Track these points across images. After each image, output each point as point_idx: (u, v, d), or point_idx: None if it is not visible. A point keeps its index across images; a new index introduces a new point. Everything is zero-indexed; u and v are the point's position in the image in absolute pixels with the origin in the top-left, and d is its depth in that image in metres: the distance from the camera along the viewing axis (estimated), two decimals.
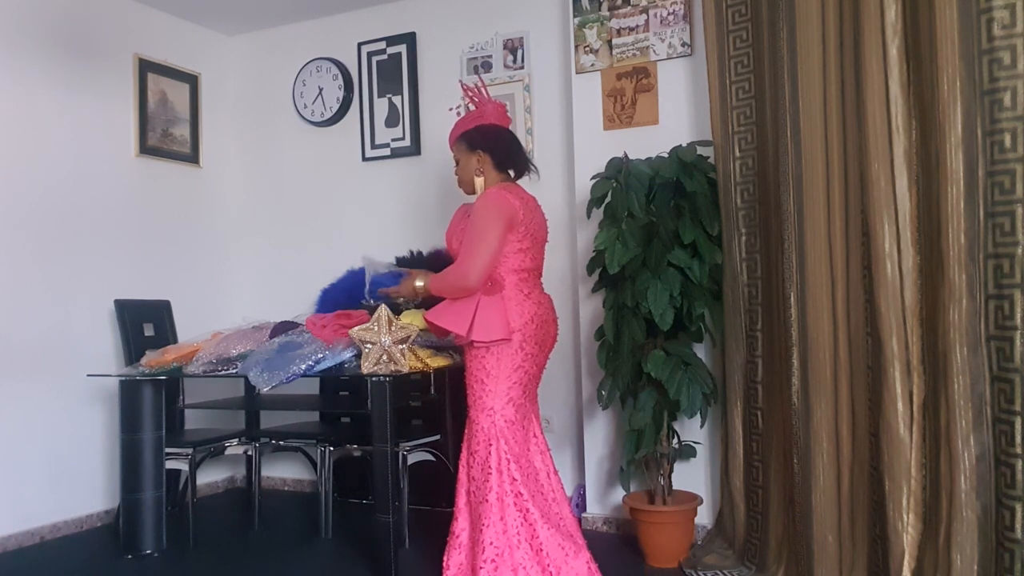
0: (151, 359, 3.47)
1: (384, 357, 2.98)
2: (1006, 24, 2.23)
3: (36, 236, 3.76)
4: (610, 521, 3.56)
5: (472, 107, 2.92)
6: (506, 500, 2.62)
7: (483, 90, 2.92)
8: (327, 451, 3.62)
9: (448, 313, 2.72)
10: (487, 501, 2.62)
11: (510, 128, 2.95)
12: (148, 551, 3.42)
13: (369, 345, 2.98)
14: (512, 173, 2.89)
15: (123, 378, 3.48)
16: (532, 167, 2.93)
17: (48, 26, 3.85)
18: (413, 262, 4.01)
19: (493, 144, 2.81)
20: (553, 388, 3.78)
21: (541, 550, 2.59)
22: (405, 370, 2.99)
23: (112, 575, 3.27)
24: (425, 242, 4.00)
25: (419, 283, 2.87)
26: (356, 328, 3.01)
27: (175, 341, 4.06)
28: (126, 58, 4.23)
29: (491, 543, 2.60)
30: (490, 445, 2.65)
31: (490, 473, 2.63)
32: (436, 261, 3.59)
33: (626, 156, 3.20)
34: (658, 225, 3.06)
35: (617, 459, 3.48)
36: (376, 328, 2.98)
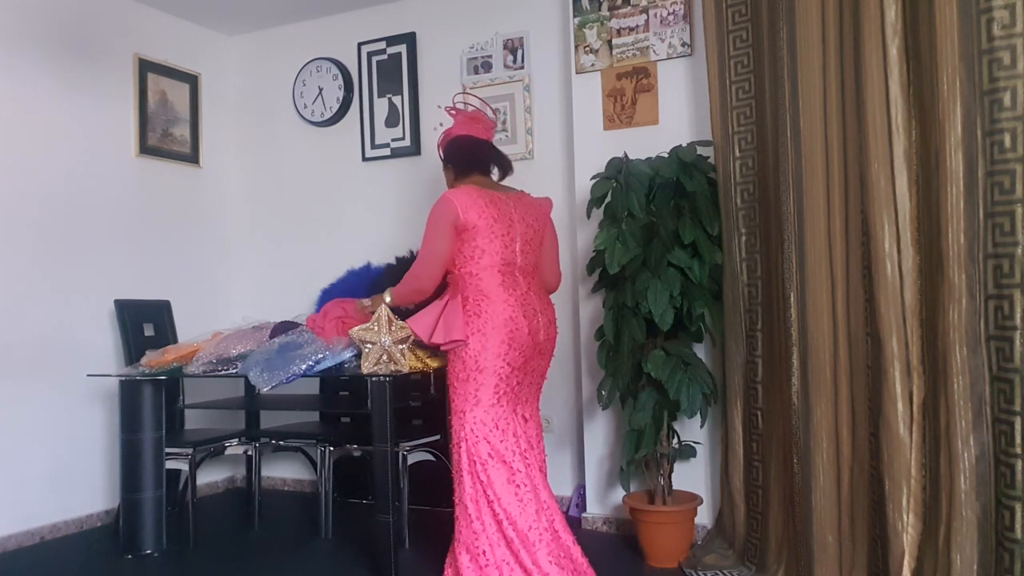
0: (151, 359, 3.47)
1: (384, 357, 2.98)
2: (1006, 24, 2.23)
3: (36, 236, 3.76)
4: (610, 521, 3.56)
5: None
6: (479, 501, 2.65)
7: (468, 99, 3.03)
8: (327, 451, 3.62)
9: (419, 319, 2.83)
10: (462, 502, 2.68)
11: (493, 128, 3.08)
12: (148, 551, 3.41)
13: (369, 345, 2.98)
14: (496, 175, 2.99)
15: (123, 378, 3.48)
16: (505, 163, 3.02)
17: (48, 26, 3.85)
18: (413, 262, 4.00)
19: (453, 156, 2.99)
20: (553, 388, 3.78)
21: (516, 549, 2.62)
22: (405, 370, 2.99)
23: (112, 575, 3.27)
24: None
25: (387, 298, 2.99)
26: (356, 328, 3.02)
27: (175, 341, 4.06)
28: (126, 58, 4.23)
29: (473, 543, 2.64)
30: (460, 447, 2.70)
31: (462, 475, 2.69)
32: None
33: (626, 156, 3.20)
34: (658, 225, 3.06)
35: (617, 459, 3.48)
36: (376, 328, 2.98)
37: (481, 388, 2.71)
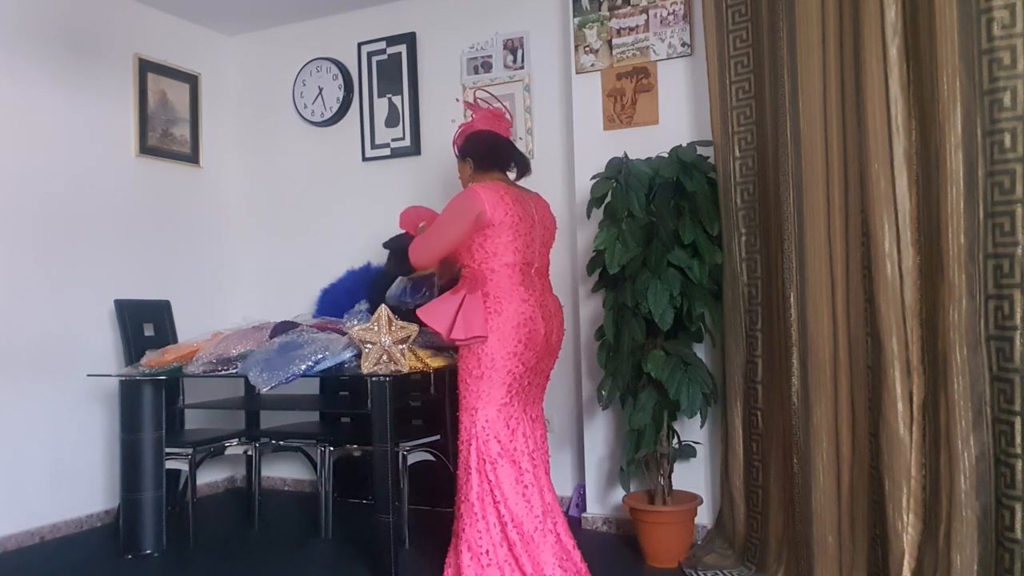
0: (151, 359, 3.47)
1: (384, 357, 2.98)
2: (1006, 24, 2.23)
3: (36, 236, 3.76)
4: (610, 521, 3.56)
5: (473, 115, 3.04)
6: (485, 500, 2.65)
7: (482, 96, 3.02)
8: (327, 451, 3.62)
9: (435, 312, 2.78)
10: (468, 500, 2.67)
11: (510, 127, 3.05)
12: (148, 551, 3.41)
13: (369, 345, 2.98)
14: (514, 172, 2.98)
15: (123, 378, 3.49)
16: (524, 163, 3.00)
17: (48, 26, 3.85)
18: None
19: (473, 151, 2.94)
20: (553, 388, 3.76)
21: (518, 553, 2.62)
22: (405, 370, 2.99)
23: (112, 575, 3.27)
24: None
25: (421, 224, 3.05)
26: (356, 328, 3.02)
27: (175, 341, 4.06)
28: (126, 58, 4.23)
29: (476, 542, 2.64)
30: (470, 445, 2.69)
31: (470, 473, 2.68)
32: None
33: (626, 156, 3.20)
34: (658, 225, 3.06)
35: (617, 459, 3.48)
36: (376, 328, 2.98)
37: (495, 386, 2.69)
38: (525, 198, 2.84)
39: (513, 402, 2.73)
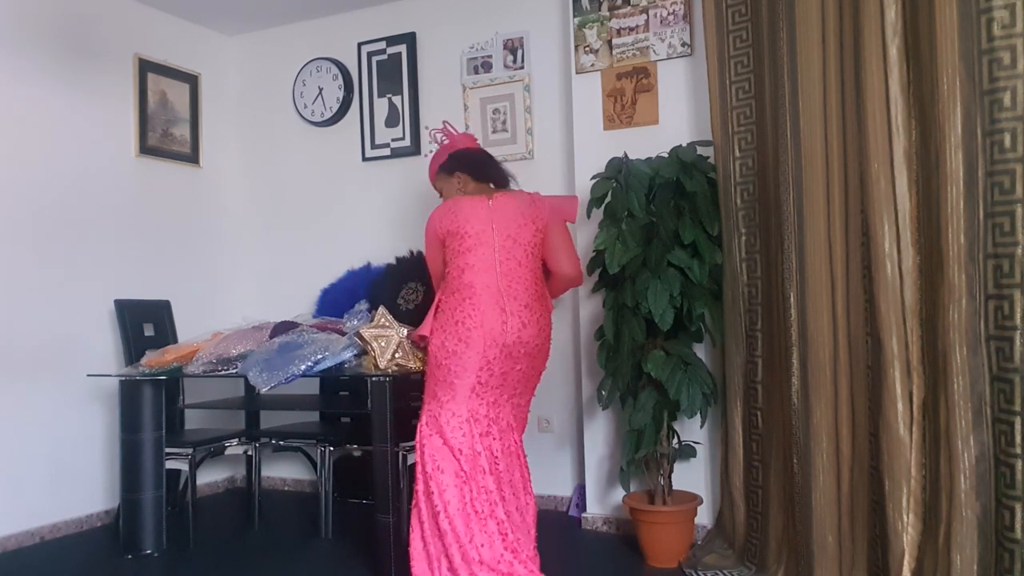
0: (151, 359, 3.47)
1: (399, 350, 3.03)
2: (1006, 24, 2.23)
3: (36, 236, 3.76)
4: (610, 521, 3.56)
5: (445, 140, 3.20)
6: (423, 492, 2.75)
7: (450, 127, 3.22)
8: (327, 451, 3.62)
9: (424, 321, 2.99)
10: (415, 492, 2.80)
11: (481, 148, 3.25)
12: (148, 551, 3.41)
13: (383, 340, 3.01)
14: (492, 184, 3.09)
15: (123, 378, 3.49)
16: (510, 176, 3.15)
17: (49, 26, 3.85)
18: (413, 262, 4.00)
19: (468, 163, 3.08)
20: (553, 388, 3.78)
21: (448, 543, 2.67)
22: (413, 367, 3.04)
23: (112, 575, 3.27)
24: None
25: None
26: (367, 328, 3.06)
27: (175, 341, 4.06)
28: (126, 58, 4.23)
29: (420, 531, 2.74)
30: (417, 440, 2.81)
31: (416, 467, 2.80)
32: None
33: (626, 156, 3.21)
34: (658, 225, 3.06)
35: (617, 459, 3.48)
36: (386, 323, 3.05)
37: (439, 384, 2.80)
38: (484, 201, 2.92)
39: (457, 400, 2.77)
